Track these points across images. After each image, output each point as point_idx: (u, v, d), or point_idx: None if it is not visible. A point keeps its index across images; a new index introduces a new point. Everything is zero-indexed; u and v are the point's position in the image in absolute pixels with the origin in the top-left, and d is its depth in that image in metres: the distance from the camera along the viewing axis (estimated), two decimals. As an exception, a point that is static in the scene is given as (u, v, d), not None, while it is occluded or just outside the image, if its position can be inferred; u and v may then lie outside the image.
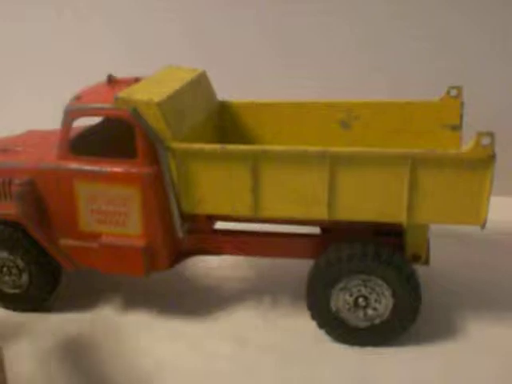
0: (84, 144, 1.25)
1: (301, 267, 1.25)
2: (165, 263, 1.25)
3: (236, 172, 1.12)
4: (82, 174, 1.18)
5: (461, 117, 1.31)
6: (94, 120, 1.30)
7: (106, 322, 1.31)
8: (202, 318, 1.31)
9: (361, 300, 1.18)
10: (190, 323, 1.30)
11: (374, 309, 1.18)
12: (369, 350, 1.19)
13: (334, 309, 1.19)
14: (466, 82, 1.33)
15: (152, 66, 1.37)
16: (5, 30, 1.97)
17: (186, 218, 1.21)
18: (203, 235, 1.30)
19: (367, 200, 1.10)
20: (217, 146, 1.12)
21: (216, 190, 1.15)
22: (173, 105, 1.18)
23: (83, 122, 1.26)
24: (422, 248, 1.20)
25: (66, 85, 1.36)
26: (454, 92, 1.31)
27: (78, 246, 1.25)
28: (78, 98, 1.21)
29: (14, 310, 1.36)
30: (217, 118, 1.40)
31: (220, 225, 1.38)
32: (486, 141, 1.02)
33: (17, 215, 1.23)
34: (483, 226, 1.09)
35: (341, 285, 1.17)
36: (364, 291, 1.17)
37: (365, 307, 1.18)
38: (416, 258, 1.21)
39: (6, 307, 1.36)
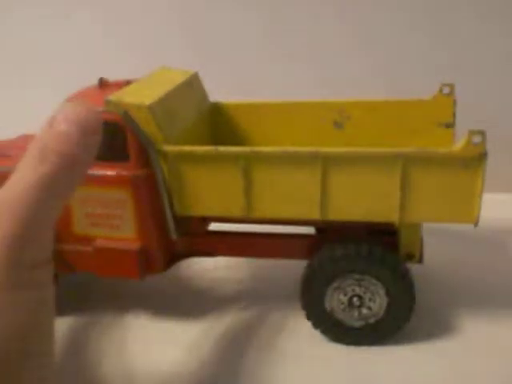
0: None
1: (296, 268, 1.24)
2: (159, 265, 1.25)
3: (228, 173, 1.12)
4: None
5: (454, 114, 1.31)
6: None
7: (101, 325, 1.31)
8: (198, 319, 1.31)
9: (355, 299, 1.18)
10: (185, 325, 1.30)
11: (369, 308, 1.18)
12: (364, 349, 1.19)
13: (328, 308, 1.19)
14: (458, 79, 1.32)
15: (147, 66, 1.36)
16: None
17: (181, 220, 1.21)
18: (197, 237, 1.30)
19: (359, 200, 1.10)
20: (208, 148, 1.12)
21: (208, 191, 1.15)
22: (164, 107, 1.18)
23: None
24: (416, 247, 1.20)
25: (59, 87, 1.35)
26: (446, 90, 1.31)
27: (73, 249, 1.25)
28: (69, 100, 1.21)
29: None
30: (209, 120, 1.40)
31: (214, 226, 1.38)
32: (477, 139, 1.02)
33: None
34: (476, 223, 1.09)
35: (335, 285, 1.17)
36: (358, 290, 1.17)
37: (359, 306, 1.18)
38: (410, 257, 1.21)
39: None
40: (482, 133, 1.01)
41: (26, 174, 0.66)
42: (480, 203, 1.07)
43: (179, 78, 1.32)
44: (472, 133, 1.02)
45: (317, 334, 1.22)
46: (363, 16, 1.69)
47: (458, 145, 1.04)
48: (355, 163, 1.07)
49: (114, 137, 1.20)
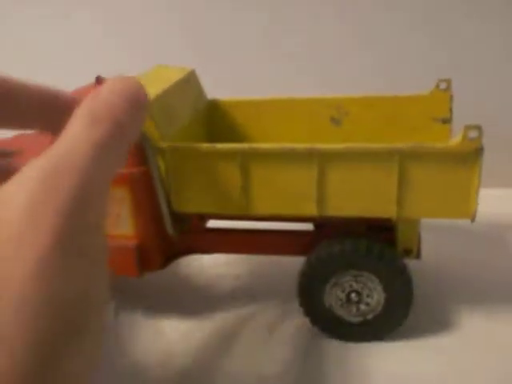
0: None
1: (295, 264, 1.25)
2: (158, 263, 1.25)
3: (225, 171, 1.13)
4: None
5: (450, 110, 1.31)
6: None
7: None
8: (196, 316, 1.31)
9: (353, 295, 1.18)
10: (183, 322, 1.30)
11: (367, 304, 1.18)
12: (362, 345, 1.20)
13: (326, 305, 1.19)
14: (456, 75, 1.32)
15: (146, 65, 1.36)
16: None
17: (180, 217, 1.22)
18: (195, 234, 1.30)
19: (356, 196, 1.10)
20: (205, 145, 1.12)
21: (206, 188, 1.15)
22: (161, 105, 1.18)
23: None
24: (413, 242, 1.20)
25: (58, 84, 1.36)
26: (443, 85, 1.31)
27: None
28: None
29: None
30: (206, 117, 1.40)
31: (212, 223, 1.38)
32: (473, 134, 1.02)
33: None
34: (473, 219, 1.09)
35: (332, 281, 1.18)
36: (356, 286, 1.18)
37: (357, 302, 1.19)
38: (407, 253, 1.21)
39: None
40: (478, 128, 1.01)
41: (78, 141, 0.65)
42: (477, 198, 1.07)
43: (176, 76, 1.32)
44: (468, 128, 1.02)
45: (315, 331, 1.22)
46: (362, 14, 1.69)
47: (454, 140, 1.04)
48: (351, 159, 1.08)
49: None
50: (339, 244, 1.16)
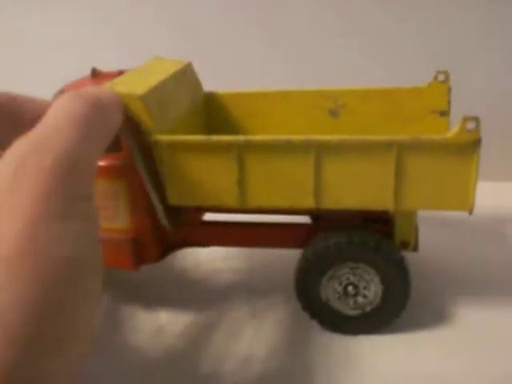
0: None
1: (293, 257, 1.24)
2: (154, 256, 1.25)
3: (221, 163, 1.12)
4: None
5: (448, 102, 1.31)
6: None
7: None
8: (193, 309, 1.31)
9: (350, 288, 1.17)
10: (180, 316, 1.29)
11: (364, 296, 1.18)
12: (361, 338, 1.19)
13: (323, 298, 1.19)
14: (454, 66, 1.31)
15: (140, 57, 1.35)
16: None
17: (175, 209, 1.21)
18: (191, 227, 1.30)
19: (353, 188, 1.10)
20: (200, 138, 1.12)
21: (202, 181, 1.14)
22: (157, 97, 1.17)
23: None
24: (411, 234, 1.20)
25: (51, 78, 1.35)
26: (441, 77, 1.30)
27: None
28: (61, 92, 1.20)
29: None
30: (203, 110, 1.39)
31: (208, 216, 1.37)
32: (471, 125, 1.01)
33: None
34: (471, 211, 1.08)
35: (329, 274, 1.17)
36: (353, 279, 1.17)
37: (354, 295, 1.18)
38: (405, 245, 1.20)
39: None
40: (475, 119, 1.01)
41: (61, 113, 0.71)
42: (474, 190, 1.06)
43: (172, 68, 1.31)
44: (466, 119, 1.01)
45: (314, 324, 1.22)
46: (360, 5, 1.68)
47: (452, 131, 1.03)
48: (348, 151, 1.07)
49: None
50: (335, 236, 1.15)
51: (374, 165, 1.07)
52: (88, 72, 1.26)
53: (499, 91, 1.68)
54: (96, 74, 1.26)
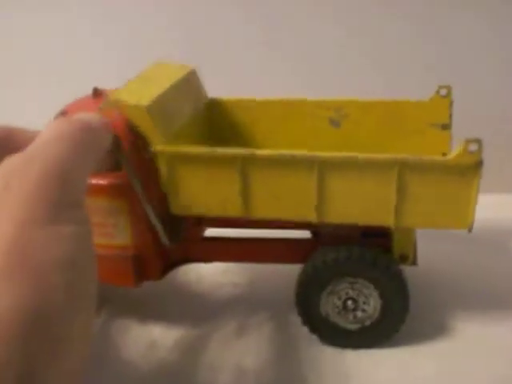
0: None
1: (295, 271, 1.25)
2: (155, 273, 1.25)
3: (225, 174, 1.13)
4: None
5: (450, 116, 1.31)
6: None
7: (95, 331, 1.30)
8: (195, 324, 1.32)
9: (349, 303, 1.19)
10: (182, 330, 1.31)
11: (363, 310, 1.19)
12: (361, 352, 1.21)
13: (323, 313, 1.21)
14: (457, 81, 1.32)
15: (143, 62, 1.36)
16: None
17: (177, 226, 1.22)
18: (193, 243, 1.31)
19: (355, 204, 1.11)
20: (204, 150, 1.12)
21: (205, 191, 1.15)
22: (161, 106, 1.17)
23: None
24: (409, 249, 1.21)
25: (51, 100, 1.30)
26: (443, 91, 1.31)
27: None
28: (63, 112, 1.21)
29: None
30: (207, 116, 1.40)
31: (209, 232, 1.39)
32: (473, 147, 1.02)
33: None
34: (470, 229, 1.10)
35: (329, 289, 1.19)
36: (352, 293, 1.19)
37: (354, 310, 1.20)
38: (403, 259, 1.22)
39: None
40: (478, 141, 1.02)
41: (49, 133, 0.76)
42: (474, 210, 1.08)
43: (176, 75, 1.31)
44: (468, 141, 1.02)
45: (314, 339, 1.23)
46: (362, 15, 1.68)
47: (454, 152, 1.04)
48: (352, 168, 1.08)
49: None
50: (334, 251, 1.17)
51: (376, 182, 1.08)
52: (89, 91, 1.26)
53: (499, 105, 1.69)
54: (97, 94, 1.26)
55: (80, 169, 0.76)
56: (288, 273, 1.28)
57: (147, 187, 1.15)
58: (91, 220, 1.10)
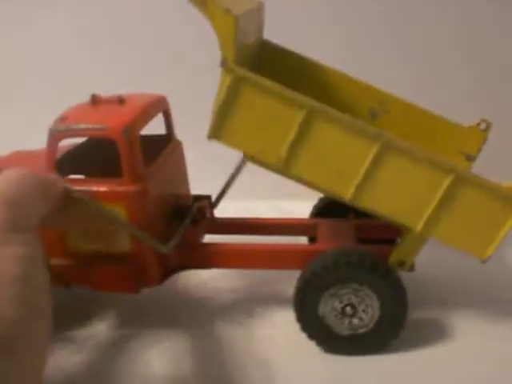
0: (70, 164, 1.27)
1: (294, 277, 1.23)
2: (154, 279, 1.24)
3: (285, 117, 1.07)
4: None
5: (479, 150, 1.35)
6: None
7: (98, 338, 1.28)
8: (194, 329, 1.30)
9: (348, 309, 1.18)
10: (181, 335, 1.28)
11: (361, 318, 1.18)
12: (358, 359, 1.19)
13: (321, 319, 1.19)
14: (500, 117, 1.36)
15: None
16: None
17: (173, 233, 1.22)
18: (191, 250, 1.29)
19: (395, 196, 1.10)
20: (278, 86, 1.06)
21: (255, 126, 1.09)
22: (243, 24, 1.10)
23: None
24: (411, 256, 1.21)
25: (50, 103, 1.34)
26: (483, 125, 1.33)
27: (69, 265, 1.22)
28: (62, 118, 1.18)
29: None
30: (256, 54, 1.33)
31: (207, 238, 1.38)
32: None
33: None
34: (485, 261, 1.13)
35: (328, 293, 1.17)
36: (353, 299, 1.18)
37: (352, 316, 1.18)
38: (401, 264, 1.22)
39: None
40: None
41: (4, 177, 0.85)
42: (497, 245, 1.11)
43: (251, 1, 1.24)
44: None
45: (312, 346, 1.21)
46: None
47: (508, 183, 1.07)
48: (410, 159, 1.07)
49: (107, 153, 1.18)
50: (331, 258, 1.16)
51: (426, 182, 1.08)
52: (87, 98, 1.25)
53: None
54: (96, 100, 1.24)
55: (28, 202, 0.84)
56: (289, 278, 1.26)
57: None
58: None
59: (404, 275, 1.21)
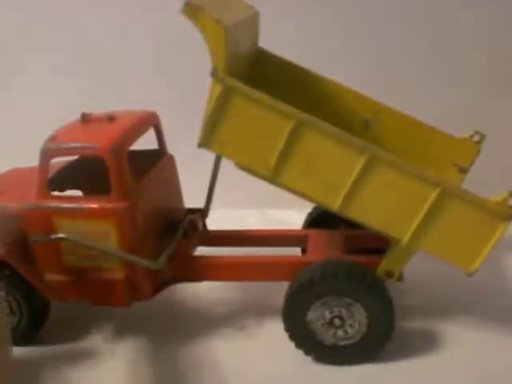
0: (63, 181, 1.32)
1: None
2: (146, 293, 1.26)
3: (273, 128, 1.08)
4: (61, 212, 1.21)
5: (472, 162, 1.34)
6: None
7: (94, 351, 1.29)
8: (190, 341, 1.30)
9: (336, 320, 1.18)
10: (177, 348, 1.28)
11: (350, 326, 1.18)
12: (349, 369, 1.20)
13: (310, 329, 1.19)
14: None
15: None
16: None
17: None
18: (183, 262, 1.30)
19: (383, 207, 1.11)
20: (267, 97, 1.08)
21: (244, 135, 1.10)
22: (234, 33, 1.11)
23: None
24: (400, 266, 1.21)
25: (43, 122, 1.38)
26: (476, 137, 1.33)
27: (63, 280, 1.26)
28: (53, 137, 1.22)
29: None
30: (250, 62, 1.34)
31: (200, 251, 1.39)
32: None
33: (2, 254, 1.24)
34: (470, 274, 1.13)
35: (316, 304, 1.17)
36: (337, 311, 1.18)
37: (340, 326, 1.18)
38: (389, 275, 1.22)
39: None
40: None
41: None
42: (482, 259, 1.11)
43: (247, 11, 1.25)
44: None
45: (305, 357, 1.22)
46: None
47: (496, 198, 1.07)
48: (397, 173, 1.08)
49: (96, 171, 1.23)
50: (318, 271, 1.16)
51: (413, 194, 1.09)
52: (77, 116, 1.28)
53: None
54: (86, 119, 1.27)
55: None
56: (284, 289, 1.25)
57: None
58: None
59: (392, 285, 1.21)
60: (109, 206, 1.18)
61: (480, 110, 1.74)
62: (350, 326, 1.17)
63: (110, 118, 1.25)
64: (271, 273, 1.28)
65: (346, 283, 1.15)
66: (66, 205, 1.20)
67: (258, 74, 1.35)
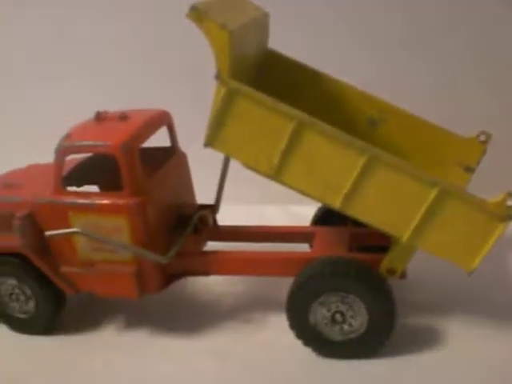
0: (78, 177, 1.38)
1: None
2: (156, 286, 1.31)
3: (275, 128, 1.11)
4: (76, 207, 1.26)
5: (478, 162, 1.35)
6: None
7: (106, 342, 1.35)
8: (196, 335, 1.34)
9: (338, 316, 1.21)
10: (183, 341, 1.33)
11: (350, 324, 1.21)
12: (352, 362, 1.22)
13: (313, 325, 1.22)
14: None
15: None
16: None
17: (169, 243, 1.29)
18: (192, 257, 1.34)
19: (383, 205, 1.13)
20: (269, 98, 1.10)
21: (248, 136, 1.13)
22: (240, 36, 1.14)
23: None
24: (403, 264, 1.23)
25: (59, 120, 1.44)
26: (482, 137, 1.34)
27: (77, 272, 1.31)
28: (68, 136, 1.26)
29: (21, 332, 1.40)
30: (258, 64, 1.37)
31: (210, 246, 1.43)
32: None
33: (20, 247, 1.30)
34: (470, 273, 1.14)
35: (319, 300, 1.20)
36: (341, 307, 1.21)
37: (342, 322, 1.21)
38: (391, 272, 1.24)
39: (14, 330, 1.40)
40: None
41: None
42: (481, 258, 1.12)
43: (254, 13, 1.28)
44: (510, 194, 1.07)
45: (311, 352, 1.25)
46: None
47: (494, 199, 1.09)
48: (396, 173, 1.10)
49: (109, 168, 1.29)
50: (321, 266, 1.19)
51: (413, 194, 1.11)
52: (91, 115, 1.32)
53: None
54: (100, 117, 1.31)
55: None
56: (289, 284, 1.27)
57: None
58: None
59: (394, 282, 1.24)
60: (121, 201, 1.22)
61: (485, 110, 1.75)
62: (351, 317, 1.20)
63: (124, 117, 1.30)
64: (277, 268, 1.31)
65: (345, 280, 1.18)
66: (80, 200, 1.25)
67: (266, 73, 1.38)
